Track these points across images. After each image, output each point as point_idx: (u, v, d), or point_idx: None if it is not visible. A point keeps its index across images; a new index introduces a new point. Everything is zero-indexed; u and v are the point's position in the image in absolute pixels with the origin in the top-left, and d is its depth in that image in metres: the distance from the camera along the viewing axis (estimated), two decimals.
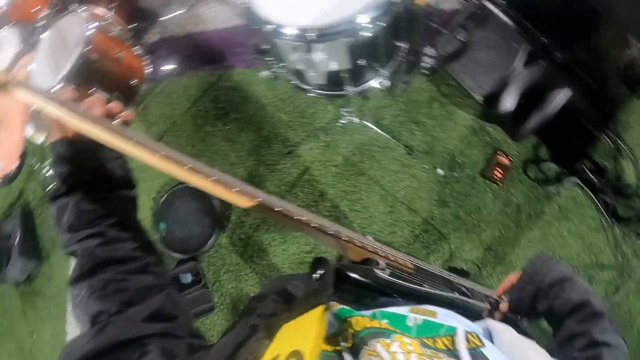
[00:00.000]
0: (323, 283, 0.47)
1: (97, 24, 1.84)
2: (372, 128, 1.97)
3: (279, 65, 1.52)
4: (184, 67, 2.40)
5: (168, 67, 2.41)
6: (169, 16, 2.53)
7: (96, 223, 0.64)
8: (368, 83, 1.48)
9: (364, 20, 1.15)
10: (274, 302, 0.63)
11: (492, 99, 1.77)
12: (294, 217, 0.56)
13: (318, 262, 0.52)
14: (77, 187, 0.65)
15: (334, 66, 1.30)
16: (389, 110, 2.04)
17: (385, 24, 1.20)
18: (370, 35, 1.20)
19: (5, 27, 2.19)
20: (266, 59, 1.52)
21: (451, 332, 0.45)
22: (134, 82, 2.02)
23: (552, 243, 1.76)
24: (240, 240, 2.07)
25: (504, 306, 0.69)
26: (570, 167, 1.78)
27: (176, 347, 0.52)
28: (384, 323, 0.44)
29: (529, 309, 0.67)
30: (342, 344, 0.42)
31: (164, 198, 2.12)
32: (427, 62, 1.73)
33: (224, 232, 2.09)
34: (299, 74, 1.49)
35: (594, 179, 1.74)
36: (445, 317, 0.49)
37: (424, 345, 0.41)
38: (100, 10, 2.06)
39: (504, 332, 0.49)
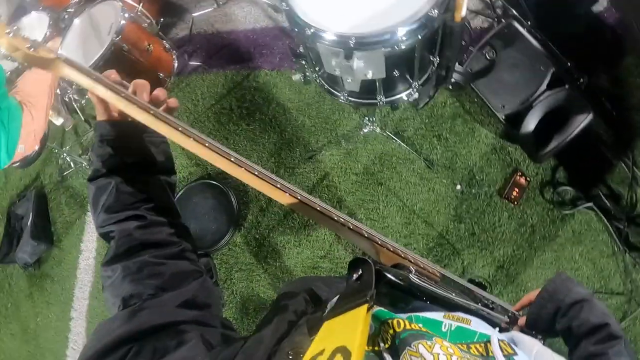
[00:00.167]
0: (364, 282, 0.47)
1: (129, 14, 1.87)
2: (393, 139, 1.98)
3: (312, 69, 1.54)
4: (210, 64, 2.42)
5: (195, 63, 2.44)
6: (199, 13, 2.55)
7: (136, 206, 0.63)
8: (399, 94, 1.51)
9: (403, 32, 1.18)
10: (305, 300, 0.63)
11: (515, 119, 1.79)
12: (334, 218, 0.57)
13: (358, 262, 0.50)
14: (118, 169, 0.65)
15: (369, 75, 1.32)
16: (412, 122, 2.05)
17: (422, 38, 1.22)
18: (408, 47, 1.22)
19: (35, 10, 2.22)
20: (301, 62, 1.54)
21: (484, 339, 0.46)
22: (161, 75, 2.04)
23: (564, 266, 1.76)
24: (255, 240, 2.07)
25: (522, 321, 0.70)
26: (586, 192, 1.79)
27: (211, 336, 0.52)
28: (421, 327, 0.45)
29: (546, 326, 0.68)
30: (381, 344, 0.42)
31: (181, 192, 2.13)
32: (454, 77, 1.76)
33: (239, 230, 2.09)
34: (332, 80, 1.51)
35: (609, 205, 1.76)
36: (478, 324, 0.50)
37: (462, 350, 0.42)
38: (133, 1, 2.09)
39: (533, 344, 0.50)
